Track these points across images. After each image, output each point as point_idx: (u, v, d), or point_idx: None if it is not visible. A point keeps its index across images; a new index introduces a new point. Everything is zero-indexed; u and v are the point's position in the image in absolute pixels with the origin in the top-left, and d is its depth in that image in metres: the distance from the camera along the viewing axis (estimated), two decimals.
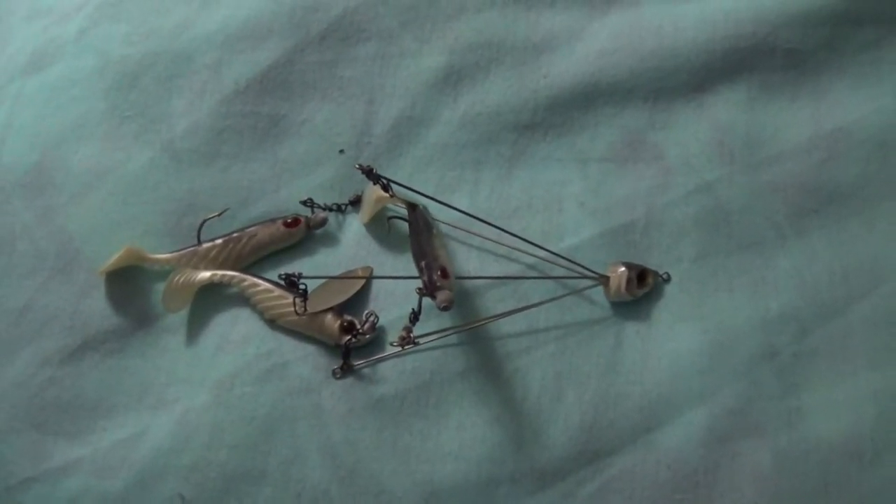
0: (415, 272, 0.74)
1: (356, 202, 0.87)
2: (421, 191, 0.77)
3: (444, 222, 0.84)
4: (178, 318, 0.83)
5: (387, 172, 0.75)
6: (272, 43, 0.92)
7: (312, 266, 0.84)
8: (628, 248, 0.83)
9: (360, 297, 0.83)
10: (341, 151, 0.88)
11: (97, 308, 0.83)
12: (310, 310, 0.78)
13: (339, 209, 0.87)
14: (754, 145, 0.85)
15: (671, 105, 0.87)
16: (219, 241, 0.84)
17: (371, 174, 0.72)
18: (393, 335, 0.80)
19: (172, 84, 0.91)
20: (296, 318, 0.80)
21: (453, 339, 0.80)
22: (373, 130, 0.89)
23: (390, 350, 0.80)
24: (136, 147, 0.89)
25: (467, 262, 0.84)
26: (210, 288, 0.83)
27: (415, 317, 0.72)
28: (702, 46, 0.88)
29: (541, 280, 0.82)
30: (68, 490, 0.78)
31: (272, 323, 0.82)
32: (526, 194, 0.86)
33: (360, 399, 0.79)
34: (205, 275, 0.82)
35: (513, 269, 0.83)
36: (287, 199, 0.87)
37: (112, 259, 0.82)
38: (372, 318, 0.80)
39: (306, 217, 0.85)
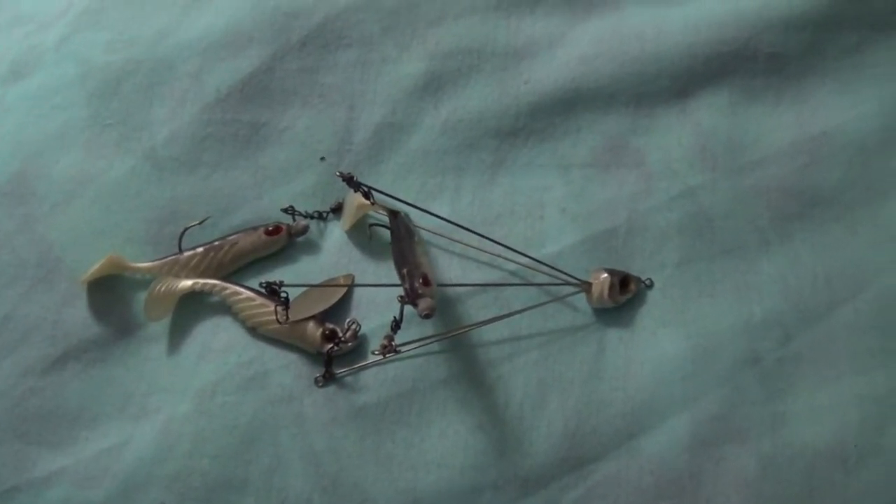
0: (397, 280, 0.74)
1: (338, 209, 0.87)
2: (402, 198, 0.77)
3: (425, 229, 0.84)
4: (159, 327, 0.83)
5: (368, 179, 0.75)
6: (253, 50, 0.92)
7: (294, 274, 0.84)
8: (611, 254, 0.83)
9: (342, 306, 0.83)
10: (322, 159, 0.88)
11: (79, 317, 0.83)
12: (291, 318, 0.78)
13: (321, 217, 0.87)
14: (737, 150, 0.85)
15: (653, 110, 0.87)
16: (200, 250, 0.84)
17: (352, 182, 0.72)
18: (375, 343, 0.79)
19: (154, 92, 0.91)
20: (277, 326, 0.79)
21: (435, 346, 0.80)
22: (354, 137, 0.89)
23: (372, 358, 0.80)
24: (118, 155, 0.89)
25: (449, 269, 0.84)
26: (192, 296, 0.83)
27: (396, 325, 0.72)
28: (684, 51, 0.88)
29: (523, 287, 0.82)
30: (51, 500, 0.78)
31: (254, 331, 0.82)
32: (508, 201, 0.86)
33: (342, 407, 0.78)
34: (186, 283, 0.82)
35: (495, 276, 0.83)
36: (268, 206, 0.87)
37: (94, 268, 0.82)
38: (354, 327, 0.80)
39: (288, 225, 0.85)
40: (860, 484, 0.73)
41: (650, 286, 0.81)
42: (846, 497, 0.73)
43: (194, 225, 0.85)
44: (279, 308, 0.77)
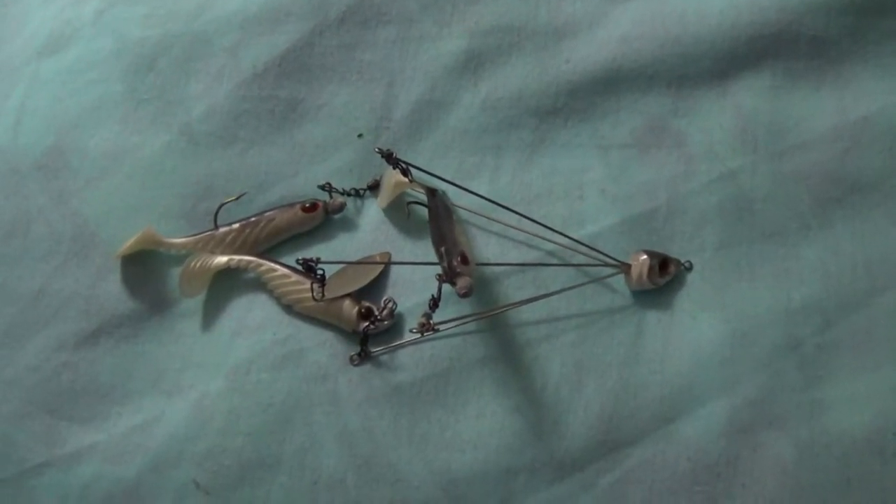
0: (434, 258, 0.74)
1: (375, 187, 0.86)
2: (440, 176, 0.76)
3: (463, 208, 0.83)
4: (194, 303, 0.83)
5: (406, 157, 0.74)
6: (291, 26, 0.91)
7: (330, 251, 0.84)
8: (650, 235, 0.82)
9: (379, 284, 0.82)
10: (360, 135, 0.88)
11: (113, 292, 0.84)
12: (327, 295, 0.77)
13: (358, 194, 0.87)
14: (778, 133, 0.84)
15: (694, 92, 0.86)
16: (236, 226, 0.84)
17: (390, 158, 0.72)
18: (411, 322, 0.79)
19: (190, 67, 0.91)
20: (313, 303, 0.79)
21: (472, 326, 0.79)
22: (392, 115, 0.88)
23: (408, 337, 0.79)
24: (153, 130, 0.89)
25: (487, 248, 0.83)
26: (226, 273, 0.83)
27: (434, 303, 0.71)
28: (725, 33, 0.87)
29: (561, 267, 0.81)
30: (82, 476, 0.78)
31: (289, 308, 0.81)
32: (547, 180, 0.85)
33: (377, 386, 0.78)
34: (221, 259, 0.82)
35: (533, 256, 0.82)
36: (305, 183, 0.87)
37: (129, 242, 0.82)
38: (390, 305, 0.79)
39: (324, 202, 0.85)
40: None
41: (689, 269, 0.80)
42: (883, 486, 0.72)
43: (230, 200, 0.84)
44: (315, 285, 0.76)
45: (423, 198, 0.81)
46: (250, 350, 0.80)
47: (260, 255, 0.83)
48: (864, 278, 0.79)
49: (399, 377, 0.78)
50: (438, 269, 0.71)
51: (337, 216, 0.85)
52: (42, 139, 0.89)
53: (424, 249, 0.82)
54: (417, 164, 0.74)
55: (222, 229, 0.84)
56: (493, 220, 0.83)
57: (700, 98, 0.86)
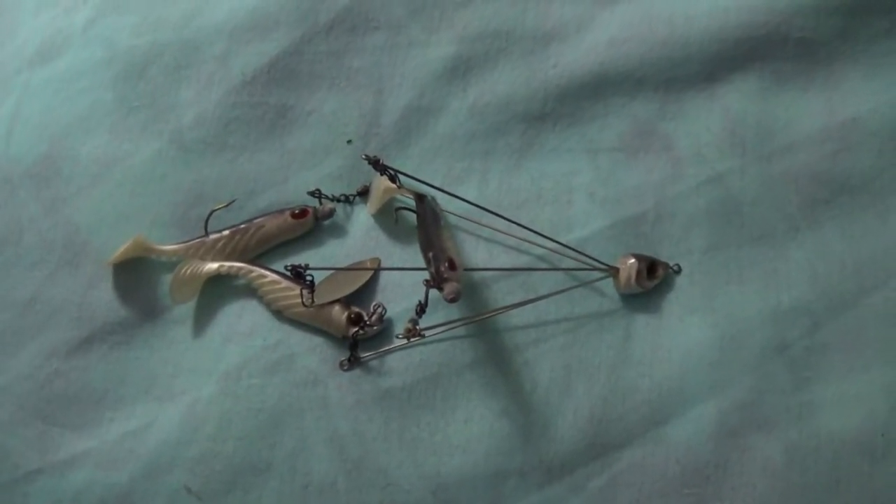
0: (423, 264, 0.74)
1: (364, 193, 0.87)
2: (429, 181, 0.76)
3: (452, 213, 0.83)
4: (185, 310, 0.83)
5: (395, 163, 0.75)
6: (280, 33, 0.91)
7: (320, 257, 0.84)
8: (638, 239, 0.82)
9: (368, 289, 0.82)
10: (349, 142, 0.88)
11: (104, 299, 0.84)
12: (317, 301, 0.78)
13: (347, 200, 0.87)
14: (766, 135, 0.84)
15: (682, 95, 0.86)
16: (226, 233, 0.84)
17: (378, 165, 0.72)
18: (400, 327, 0.79)
19: (180, 75, 0.91)
20: (303, 309, 0.79)
21: (461, 331, 0.79)
22: (381, 121, 0.88)
23: (398, 342, 0.79)
24: (144, 138, 0.89)
25: (475, 253, 0.83)
26: (217, 279, 0.83)
27: (421, 309, 0.71)
28: (713, 35, 0.87)
29: (550, 272, 0.81)
30: (74, 482, 0.78)
31: (279, 314, 0.82)
32: (535, 185, 0.85)
33: (367, 391, 0.78)
34: (212, 266, 0.82)
35: (521, 260, 0.82)
36: (295, 189, 0.87)
37: (120, 249, 0.83)
38: (379, 310, 0.80)
39: (314, 208, 0.85)
40: (887, 475, 0.72)
41: (678, 272, 0.80)
42: (872, 488, 0.72)
43: (220, 207, 0.85)
44: (305, 291, 0.77)
45: (412, 203, 0.81)
46: (241, 356, 0.80)
47: (250, 262, 0.83)
48: (852, 279, 0.78)
49: (388, 382, 0.78)
50: (427, 275, 0.71)
51: (326, 222, 0.86)
52: (34, 148, 0.89)
53: (413, 255, 0.81)
54: (406, 170, 0.75)
55: (213, 236, 0.84)
56: (482, 225, 0.83)
57: (688, 101, 0.86)
